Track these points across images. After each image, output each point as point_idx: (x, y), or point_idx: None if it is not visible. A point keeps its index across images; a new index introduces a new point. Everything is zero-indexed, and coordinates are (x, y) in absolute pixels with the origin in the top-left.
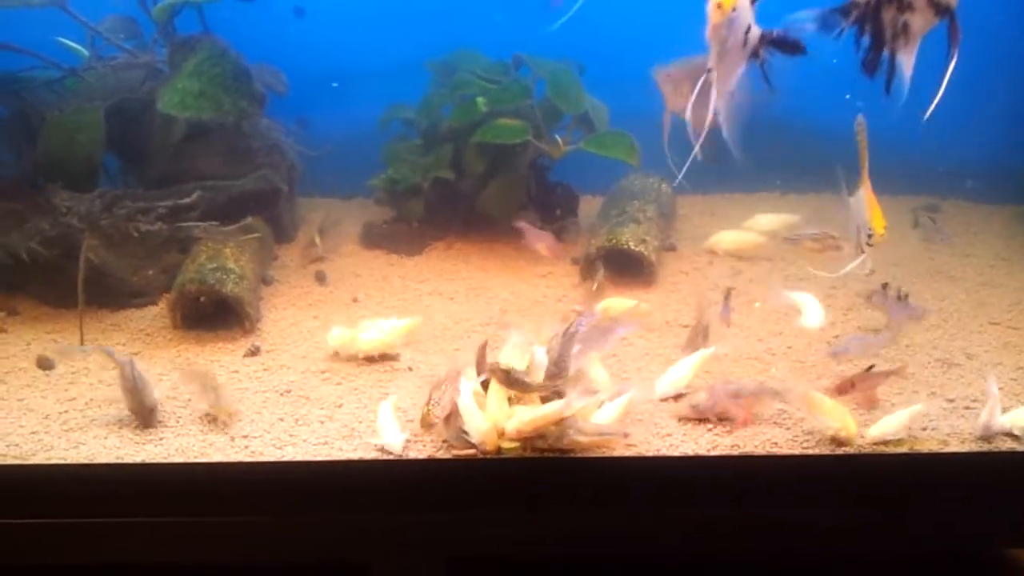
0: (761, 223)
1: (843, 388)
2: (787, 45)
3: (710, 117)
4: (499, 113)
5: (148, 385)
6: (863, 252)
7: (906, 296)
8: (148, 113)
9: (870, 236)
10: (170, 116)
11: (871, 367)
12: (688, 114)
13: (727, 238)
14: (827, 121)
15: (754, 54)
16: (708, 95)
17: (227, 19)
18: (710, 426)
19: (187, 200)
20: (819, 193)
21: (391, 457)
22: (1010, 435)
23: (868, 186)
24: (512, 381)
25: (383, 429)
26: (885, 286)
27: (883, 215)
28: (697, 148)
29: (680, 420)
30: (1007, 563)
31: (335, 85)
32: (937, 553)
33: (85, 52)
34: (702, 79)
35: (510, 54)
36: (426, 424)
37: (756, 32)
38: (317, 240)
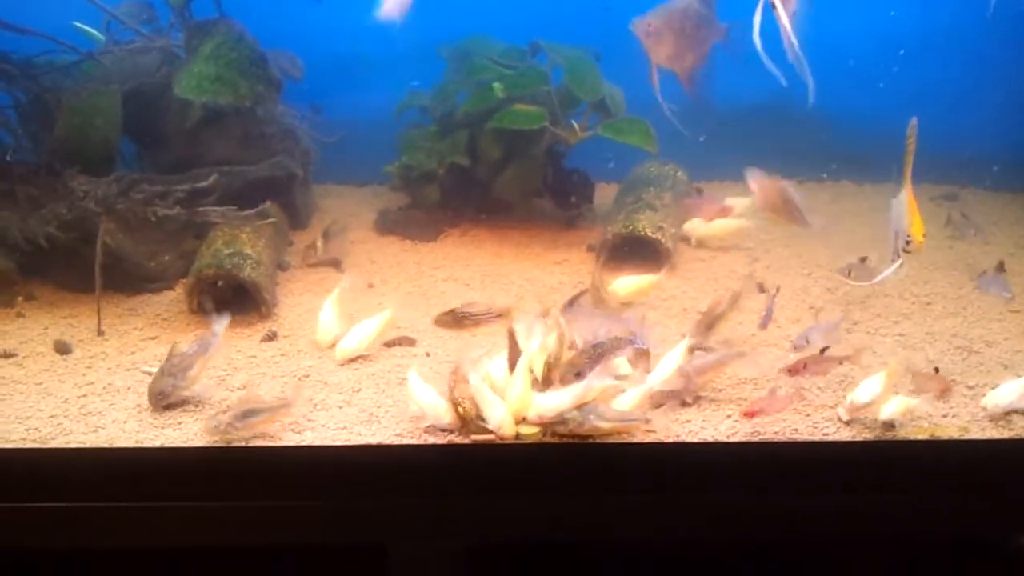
0: (736, 207)
1: (795, 369)
2: None
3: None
4: (515, 99)
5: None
6: (899, 257)
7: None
8: (164, 97)
9: (908, 243)
10: (186, 101)
11: (824, 349)
12: (678, 64)
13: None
14: (847, 108)
15: None
16: (691, 41)
17: (242, 4)
18: (728, 412)
19: (205, 184)
20: (837, 181)
21: (409, 442)
22: None
23: (910, 190)
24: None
25: (422, 397)
26: (864, 259)
27: (923, 222)
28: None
29: (657, 407)
30: None
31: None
32: (957, 540)
33: (101, 36)
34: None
35: (525, 41)
36: (463, 419)
37: None
38: (319, 244)
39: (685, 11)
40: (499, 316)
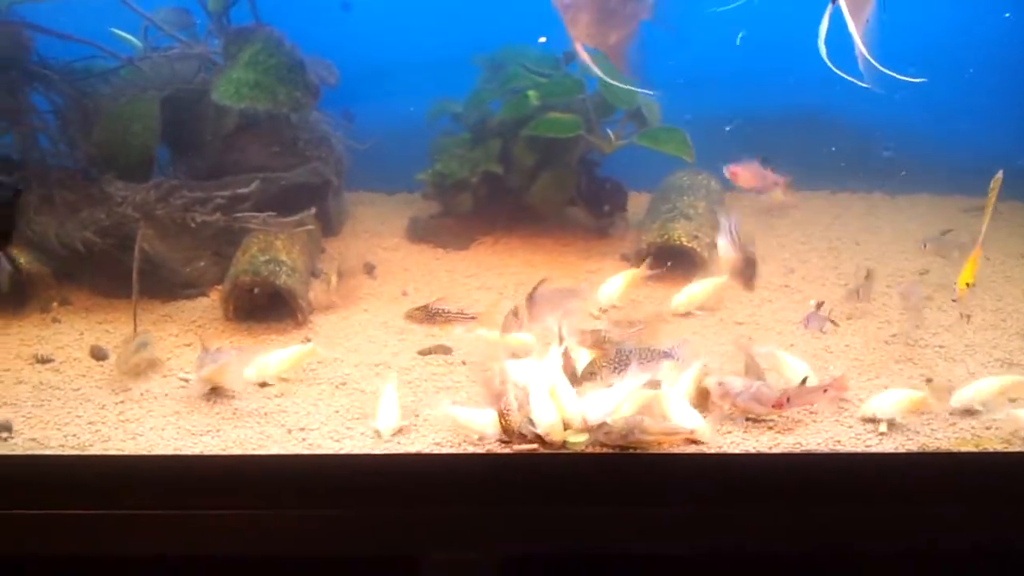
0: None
1: (779, 403)
2: None
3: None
4: (550, 107)
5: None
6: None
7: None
8: (201, 104)
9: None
10: (223, 107)
11: (804, 380)
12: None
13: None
14: (880, 119)
15: None
16: (614, 17)
17: (276, 11)
18: (770, 423)
19: (246, 190)
20: (870, 193)
21: (448, 451)
22: None
23: (980, 244)
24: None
25: (462, 415)
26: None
27: (973, 274)
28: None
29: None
30: None
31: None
32: (998, 552)
33: (139, 43)
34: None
35: (558, 49)
36: (510, 432)
37: None
38: (333, 280)
39: None
40: (472, 319)
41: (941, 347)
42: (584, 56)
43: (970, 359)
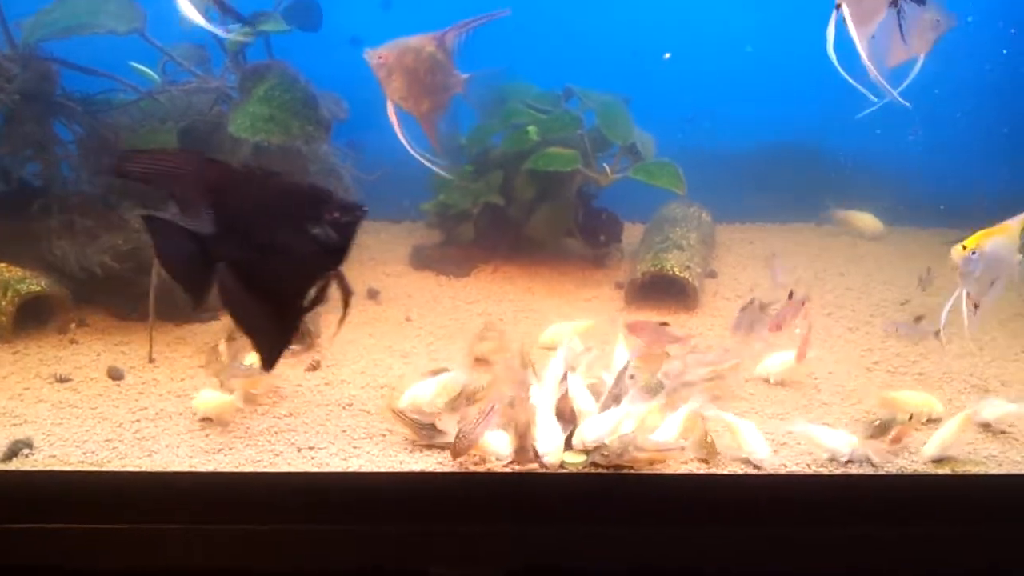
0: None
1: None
2: None
3: None
4: (549, 142)
5: None
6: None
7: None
8: (216, 136)
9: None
10: (238, 139)
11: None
12: (413, 106)
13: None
14: (857, 154)
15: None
16: (426, 85)
17: (288, 47)
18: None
19: None
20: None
21: (451, 470)
22: None
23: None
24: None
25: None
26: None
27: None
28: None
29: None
30: None
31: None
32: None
33: (156, 77)
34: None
35: (559, 86)
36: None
37: None
38: (222, 349)
39: (418, 52)
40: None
41: (920, 374)
42: (393, 117)
43: (947, 386)
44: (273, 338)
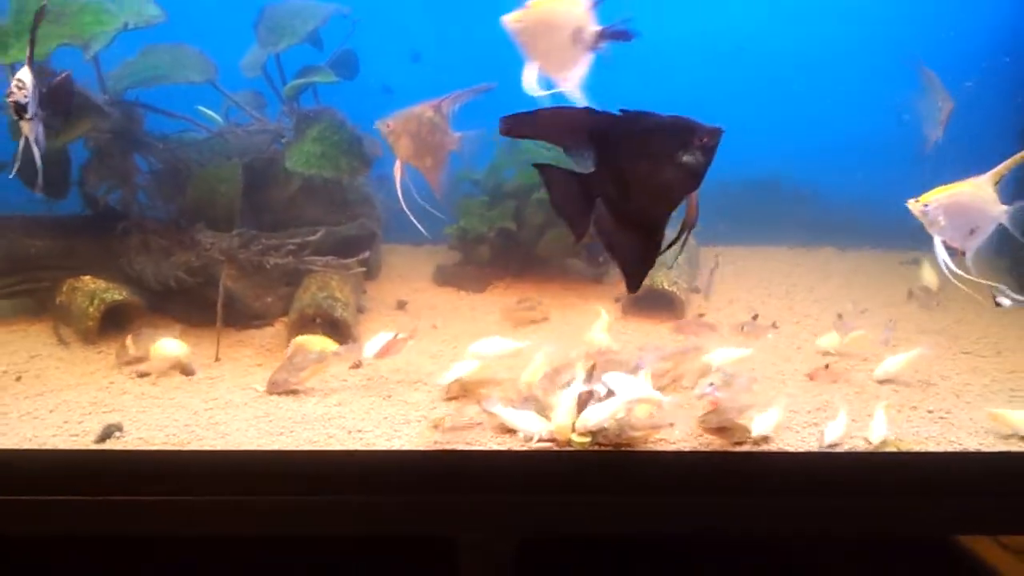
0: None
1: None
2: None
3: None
4: None
5: None
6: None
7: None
8: (272, 170)
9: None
10: (290, 172)
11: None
12: (418, 162)
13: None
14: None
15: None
16: (427, 144)
17: (333, 93)
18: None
19: (313, 238)
20: (820, 247)
21: (479, 448)
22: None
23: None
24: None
25: (519, 420)
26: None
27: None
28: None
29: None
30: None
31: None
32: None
33: (220, 119)
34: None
35: None
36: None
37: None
38: (129, 344)
39: (419, 117)
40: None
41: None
42: (397, 174)
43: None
44: (639, 261)
